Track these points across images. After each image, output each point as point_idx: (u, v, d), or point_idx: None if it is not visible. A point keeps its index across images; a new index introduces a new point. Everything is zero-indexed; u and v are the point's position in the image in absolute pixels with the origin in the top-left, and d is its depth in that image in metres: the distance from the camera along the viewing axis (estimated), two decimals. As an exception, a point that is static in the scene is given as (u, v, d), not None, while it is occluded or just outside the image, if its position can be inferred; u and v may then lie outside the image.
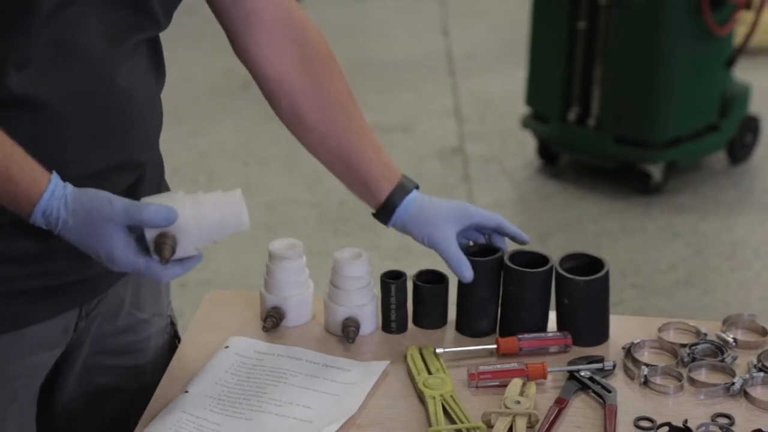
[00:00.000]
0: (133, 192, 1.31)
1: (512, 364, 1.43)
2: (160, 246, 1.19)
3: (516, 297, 1.51)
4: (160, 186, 1.43)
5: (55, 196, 1.17)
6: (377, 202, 1.48)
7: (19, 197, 1.17)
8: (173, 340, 1.58)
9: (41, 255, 1.25)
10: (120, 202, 1.18)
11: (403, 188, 1.48)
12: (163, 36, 1.37)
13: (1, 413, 1.32)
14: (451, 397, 1.37)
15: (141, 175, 1.36)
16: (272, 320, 1.54)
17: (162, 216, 1.18)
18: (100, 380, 1.46)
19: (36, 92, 1.18)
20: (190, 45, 4.96)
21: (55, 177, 1.18)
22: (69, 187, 1.19)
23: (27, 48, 1.16)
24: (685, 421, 1.32)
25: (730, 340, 1.50)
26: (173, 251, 1.20)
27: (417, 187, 1.50)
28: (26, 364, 1.32)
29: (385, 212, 1.48)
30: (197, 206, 1.23)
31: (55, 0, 1.15)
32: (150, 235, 1.20)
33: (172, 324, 1.59)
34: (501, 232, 1.51)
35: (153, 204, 1.20)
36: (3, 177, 1.16)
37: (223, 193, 1.25)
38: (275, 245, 1.56)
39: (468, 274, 1.45)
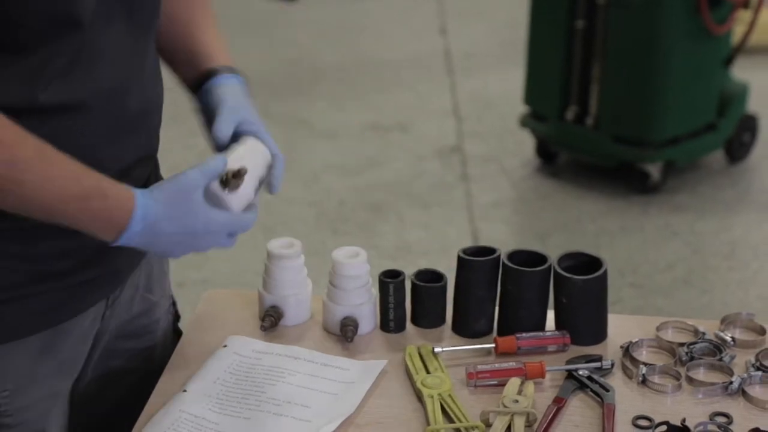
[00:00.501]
0: (150, 183, 1.35)
1: (510, 363, 1.43)
2: (236, 171, 1.27)
3: (514, 296, 1.51)
4: (158, 176, 1.45)
5: (145, 196, 1.21)
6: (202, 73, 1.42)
7: (114, 211, 1.19)
8: (175, 320, 1.61)
9: (72, 251, 1.27)
10: (189, 171, 1.24)
11: (232, 70, 1.41)
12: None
13: (46, 412, 1.33)
14: (450, 396, 1.37)
15: (154, 165, 1.41)
16: (270, 319, 1.54)
17: (221, 158, 1.27)
18: (114, 363, 1.48)
19: (74, 97, 1.20)
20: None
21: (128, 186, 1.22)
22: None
23: (67, 56, 1.18)
24: (683, 420, 1.32)
25: (729, 339, 1.50)
26: (245, 173, 1.28)
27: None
28: (63, 359, 1.34)
29: (208, 80, 1.40)
30: (238, 148, 1.32)
31: (90, 7, 1.17)
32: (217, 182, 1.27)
33: (173, 304, 1.61)
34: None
35: (210, 157, 1.28)
36: (98, 194, 1.18)
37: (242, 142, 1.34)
38: (273, 244, 1.57)
39: (221, 142, 1.34)
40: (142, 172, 1.35)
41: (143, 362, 1.51)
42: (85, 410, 1.46)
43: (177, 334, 1.59)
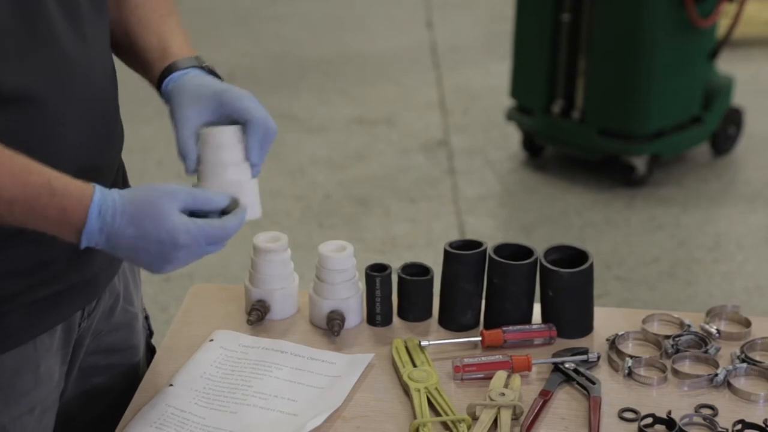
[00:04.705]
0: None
1: (497, 357, 1.43)
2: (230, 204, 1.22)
3: (500, 289, 1.52)
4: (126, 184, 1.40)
5: (104, 192, 1.14)
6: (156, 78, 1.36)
7: (69, 208, 1.12)
8: (149, 335, 1.57)
9: (42, 263, 1.24)
10: (170, 184, 1.18)
11: (178, 65, 1.34)
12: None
13: (24, 427, 1.29)
14: (436, 389, 1.38)
15: (118, 171, 1.35)
16: (257, 313, 1.54)
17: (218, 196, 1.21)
18: (96, 380, 1.45)
19: (19, 85, 1.15)
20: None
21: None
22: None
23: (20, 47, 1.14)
24: (669, 412, 1.32)
25: (714, 331, 1.51)
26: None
27: (208, 70, 1.35)
28: (39, 374, 1.30)
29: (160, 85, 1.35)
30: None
31: None
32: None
33: (147, 318, 1.57)
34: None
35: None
36: (47, 192, 1.11)
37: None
38: (259, 238, 1.56)
39: (190, 166, 1.27)
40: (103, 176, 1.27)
41: (125, 380, 1.47)
42: (68, 429, 1.42)
43: (151, 351, 1.55)
